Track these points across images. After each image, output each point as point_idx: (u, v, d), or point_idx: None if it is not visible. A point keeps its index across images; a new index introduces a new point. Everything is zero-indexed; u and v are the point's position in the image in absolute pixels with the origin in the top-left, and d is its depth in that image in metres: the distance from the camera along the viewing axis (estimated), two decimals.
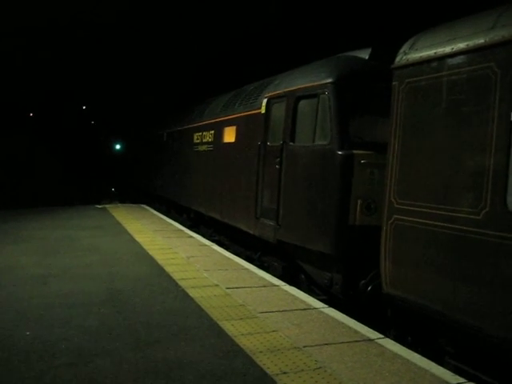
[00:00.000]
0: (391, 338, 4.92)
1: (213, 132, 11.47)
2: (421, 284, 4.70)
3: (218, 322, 5.08)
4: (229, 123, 10.38)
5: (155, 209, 16.90)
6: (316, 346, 4.48)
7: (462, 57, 4.39)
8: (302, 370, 3.95)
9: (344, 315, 5.44)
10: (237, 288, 6.39)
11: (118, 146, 35.49)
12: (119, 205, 19.01)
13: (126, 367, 3.95)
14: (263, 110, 8.45)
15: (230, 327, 4.92)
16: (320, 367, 4.02)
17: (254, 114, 8.87)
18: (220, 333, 4.77)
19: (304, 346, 4.46)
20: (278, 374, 3.87)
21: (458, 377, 3.95)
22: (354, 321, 5.26)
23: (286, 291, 6.35)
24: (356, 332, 4.90)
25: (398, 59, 5.20)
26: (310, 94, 7.05)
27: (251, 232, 8.66)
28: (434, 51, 4.68)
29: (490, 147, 4.04)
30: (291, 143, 7.36)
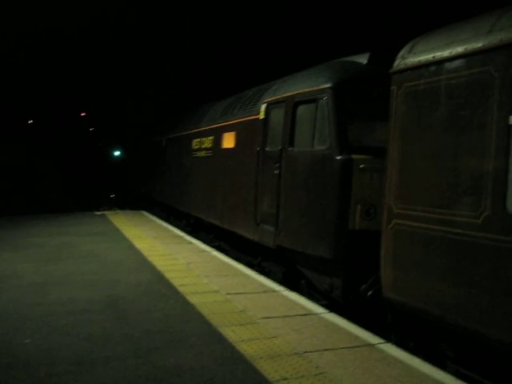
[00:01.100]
0: (392, 343, 4.90)
1: (212, 138, 11.46)
2: (421, 288, 4.68)
3: (219, 328, 5.06)
4: (228, 129, 10.38)
5: (155, 215, 16.88)
6: (316, 351, 4.47)
7: (460, 61, 4.40)
8: (303, 376, 3.93)
9: (344, 320, 5.43)
10: (237, 294, 6.38)
11: (117, 153, 35.53)
12: (118, 211, 18.97)
13: (126, 374, 3.93)
14: (262, 116, 8.45)
15: (231, 333, 4.90)
16: (321, 373, 4.00)
17: (253, 119, 8.88)
18: (220, 339, 4.75)
19: (304, 352, 4.44)
20: (278, 380, 3.85)
21: (459, 381, 3.93)
22: (354, 326, 5.24)
23: (286, 297, 6.33)
24: (357, 337, 4.88)
25: (396, 63, 5.21)
26: (309, 99, 7.05)
27: (251, 237, 8.64)
28: (433, 55, 4.69)
29: (488, 151, 4.03)
30: (290, 148, 7.36)
